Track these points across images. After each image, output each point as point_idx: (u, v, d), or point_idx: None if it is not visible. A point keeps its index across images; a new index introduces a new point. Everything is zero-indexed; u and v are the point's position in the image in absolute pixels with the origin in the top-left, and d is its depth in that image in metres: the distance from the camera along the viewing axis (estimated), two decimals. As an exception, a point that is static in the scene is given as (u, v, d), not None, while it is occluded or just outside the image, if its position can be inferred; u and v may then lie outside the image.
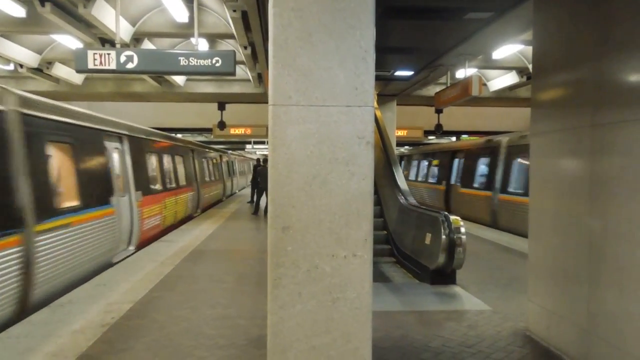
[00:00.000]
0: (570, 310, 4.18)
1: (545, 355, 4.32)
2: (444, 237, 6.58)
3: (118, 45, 9.08)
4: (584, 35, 4.05)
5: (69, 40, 11.77)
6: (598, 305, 3.82)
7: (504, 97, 17.30)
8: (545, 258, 4.64)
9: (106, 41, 11.49)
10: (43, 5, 8.83)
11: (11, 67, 14.08)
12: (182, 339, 4.61)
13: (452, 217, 6.75)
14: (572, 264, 4.16)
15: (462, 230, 6.62)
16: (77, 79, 15.80)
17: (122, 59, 8.03)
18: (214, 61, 8.14)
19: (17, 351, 4.28)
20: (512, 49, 12.57)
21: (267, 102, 3.02)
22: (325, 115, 2.92)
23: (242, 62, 12.87)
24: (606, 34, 3.76)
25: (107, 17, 9.71)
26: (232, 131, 21.09)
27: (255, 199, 16.78)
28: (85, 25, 10.44)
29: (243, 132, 21.69)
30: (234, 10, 8.34)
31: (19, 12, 9.41)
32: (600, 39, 3.83)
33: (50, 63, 14.45)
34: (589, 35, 3.98)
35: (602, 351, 3.76)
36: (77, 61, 8.07)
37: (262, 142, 34.48)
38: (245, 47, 10.98)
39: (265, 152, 39.63)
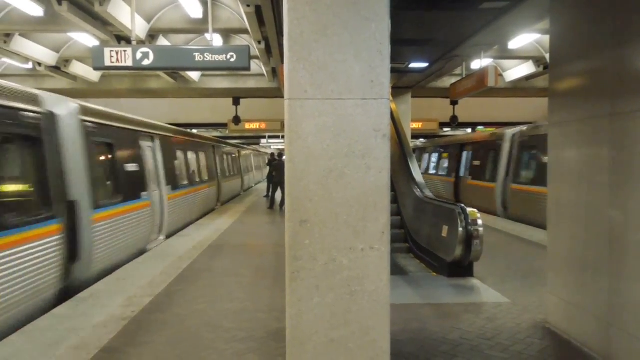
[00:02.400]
0: (591, 302, 4.14)
1: (565, 348, 4.29)
2: (460, 229, 6.55)
3: (134, 42, 9.16)
4: (603, 23, 3.98)
5: (85, 38, 11.90)
6: (619, 296, 3.78)
7: (520, 88, 17.08)
8: (564, 249, 4.59)
9: (122, 38, 11.61)
10: (60, 4, 8.94)
11: (30, 65, 14.29)
12: (201, 332, 4.67)
13: (469, 210, 6.71)
14: (592, 255, 4.11)
15: (479, 222, 6.58)
16: (94, 76, 15.99)
17: (138, 55, 8.10)
18: (228, 56, 8.16)
19: (41, 344, 4.37)
20: (528, 38, 12.40)
21: (281, 97, 3.04)
22: (341, 109, 2.93)
23: (256, 57, 12.89)
24: (625, 21, 3.70)
25: (123, 15, 9.80)
26: (247, 126, 21.17)
27: (270, 193, 16.85)
28: (101, 23, 10.55)
29: (258, 126, 21.76)
30: (248, 5, 8.36)
31: (37, 11, 9.53)
32: (620, 27, 3.76)
33: (67, 61, 14.63)
34: (608, 23, 3.91)
35: (624, 343, 3.72)
36: (95, 59, 8.16)
37: (277, 137, 34.55)
38: (260, 42, 11.00)
39: (280, 147, 39.71)
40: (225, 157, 19.85)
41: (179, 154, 12.48)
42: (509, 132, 13.68)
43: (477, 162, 15.71)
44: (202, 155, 15.35)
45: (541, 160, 11.46)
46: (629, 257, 3.66)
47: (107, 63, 8.13)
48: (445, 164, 19.08)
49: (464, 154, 17.14)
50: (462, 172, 17.05)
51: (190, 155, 13.81)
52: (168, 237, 10.41)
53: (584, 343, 4.24)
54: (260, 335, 4.58)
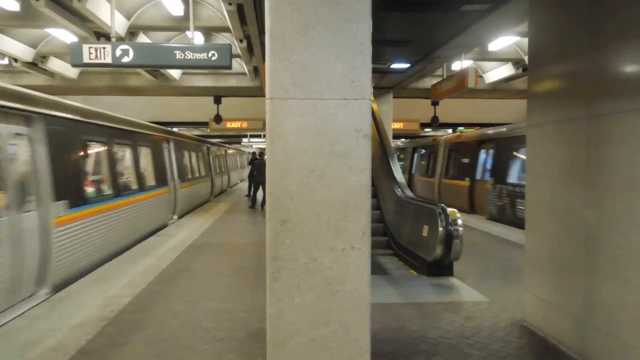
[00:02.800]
0: (567, 300, 4.22)
1: (542, 345, 4.37)
2: (441, 229, 6.61)
3: (113, 39, 9.03)
4: (579, 26, 4.06)
5: (63, 34, 11.68)
6: (594, 294, 3.85)
7: (499, 89, 17.30)
8: (541, 249, 4.67)
9: (101, 35, 11.42)
10: (37, -1, 8.76)
11: (5, 61, 13.98)
12: (181, 332, 4.63)
13: (449, 210, 6.78)
14: (569, 254, 4.19)
15: (459, 222, 6.65)
16: (72, 73, 15.71)
17: (118, 52, 7.99)
18: (210, 55, 8.10)
19: (17, 345, 4.29)
20: (508, 40, 12.55)
21: (263, 96, 3.03)
22: (322, 109, 2.93)
23: (237, 56, 12.82)
24: (601, 24, 3.77)
25: (102, 11, 9.65)
26: (229, 125, 21.04)
27: (251, 192, 16.79)
28: (80, 19, 10.37)
29: (239, 125, 21.64)
30: (230, 4, 8.31)
31: (13, 5, 9.34)
32: (595, 30, 3.84)
33: (44, 57, 14.36)
34: (584, 26, 3.98)
35: (598, 340, 3.80)
36: (73, 55, 8.03)
37: (259, 136, 34.41)
38: (241, 41, 10.94)
39: (262, 146, 39.59)
40: (216, 156, 21.64)
41: (185, 153, 15.51)
42: (443, 138, 17.89)
43: (423, 162, 20.17)
44: (200, 155, 17.86)
45: (460, 161, 16.11)
46: (604, 257, 3.74)
47: (86, 60, 8.01)
48: (400, 163, 21.47)
49: (415, 155, 21.61)
50: (413, 170, 21.50)
51: (193, 155, 16.39)
52: (180, 217, 13.73)
53: (560, 341, 4.31)
54: (241, 335, 4.56)
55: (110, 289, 6.06)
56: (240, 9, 8.68)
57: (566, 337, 4.22)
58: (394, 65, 12.52)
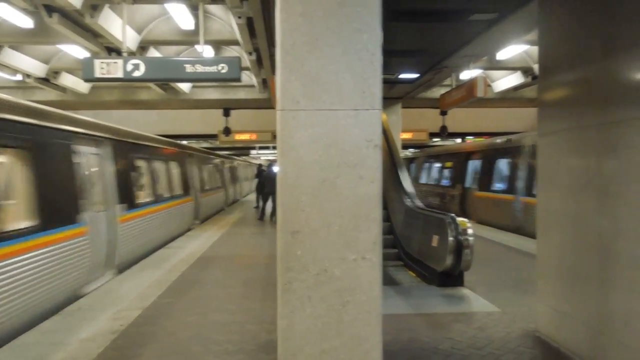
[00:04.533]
0: (581, 311, 4.16)
1: (556, 356, 4.30)
2: (451, 239, 6.56)
3: (125, 54, 9.15)
4: (590, 34, 4.05)
5: (75, 50, 11.86)
6: (609, 304, 3.80)
7: (508, 98, 17.26)
8: (554, 258, 4.62)
9: (112, 50, 11.58)
10: (50, 16, 8.91)
11: (19, 77, 14.20)
12: (191, 345, 4.62)
13: (459, 219, 6.74)
14: (582, 263, 4.14)
15: (470, 232, 6.60)
16: (84, 88, 15.92)
17: (129, 67, 8.09)
18: (219, 67, 8.17)
19: (28, 359, 4.30)
20: (516, 49, 12.56)
21: (272, 108, 3.05)
22: (333, 119, 2.94)
23: (247, 68, 12.92)
24: (612, 33, 3.76)
25: (114, 27, 9.79)
26: (237, 137, 21.13)
27: (260, 204, 16.80)
28: (91, 34, 10.53)
29: (248, 137, 21.71)
30: (240, 17, 8.39)
31: (27, 23, 9.49)
32: (607, 38, 3.83)
33: (57, 73, 14.58)
34: (595, 34, 3.97)
35: (614, 351, 3.74)
36: (85, 70, 8.14)
37: (267, 148, 34.51)
38: (250, 53, 11.03)
39: (270, 158, 39.70)
40: (230, 169, 23.09)
41: (204, 167, 17.24)
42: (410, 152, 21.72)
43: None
44: (216, 169, 20.19)
45: (420, 169, 22.74)
46: (618, 266, 3.69)
47: (98, 74, 8.11)
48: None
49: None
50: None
51: (212, 168, 19.00)
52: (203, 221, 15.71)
53: (573, 351, 4.25)
54: (251, 347, 4.54)
55: (121, 302, 6.07)
56: (249, 22, 8.76)
57: (580, 348, 4.16)
58: (403, 76, 12.54)
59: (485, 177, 15.16)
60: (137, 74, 8.10)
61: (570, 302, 4.34)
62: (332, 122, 2.93)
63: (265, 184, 16.24)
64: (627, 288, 3.59)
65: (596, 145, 3.95)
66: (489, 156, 15.14)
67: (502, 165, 14.22)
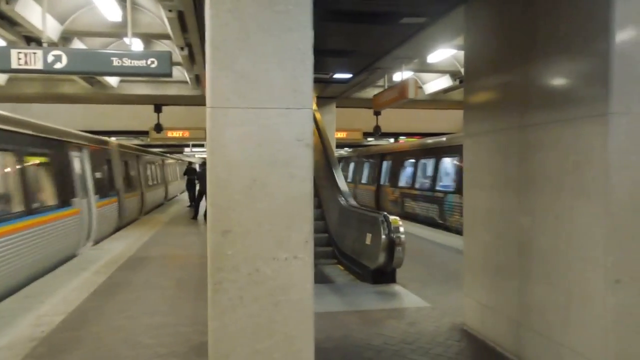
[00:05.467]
0: (503, 304, 4.38)
1: (481, 348, 4.50)
2: (383, 236, 6.71)
3: (45, 44, 8.63)
4: (511, 40, 4.26)
5: (-10, 38, 11.05)
6: (528, 297, 4.02)
7: (438, 100, 17.88)
8: (478, 254, 4.84)
9: (32, 40, 10.88)
10: (-40, 0, 8.25)
11: None
12: (119, 349, 4.44)
13: (392, 217, 6.90)
14: (503, 258, 4.36)
15: (401, 229, 6.77)
16: (0, 79, 14.87)
17: (50, 58, 7.62)
18: (149, 62, 7.88)
19: None
20: (446, 53, 13.01)
21: (205, 105, 2.98)
22: (264, 118, 2.91)
23: (178, 64, 12.56)
24: (531, 39, 3.98)
25: (33, 15, 9.20)
26: (170, 134, 20.56)
27: (194, 202, 16.46)
28: (8, 22, 9.83)
29: (181, 135, 21.19)
30: (170, 10, 8.14)
31: None
32: (524, 45, 4.04)
33: (-31, 62, 13.50)
34: (516, 40, 4.19)
35: (533, 341, 3.96)
36: (0, 60, 7.60)
37: (201, 145, 33.81)
38: (182, 48, 10.73)
39: (204, 156, 38.94)
40: (170, 168, 24.77)
41: (164, 167, 20.21)
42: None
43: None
44: (164, 168, 22.57)
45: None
46: (535, 261, 3.91)
47: (14, 65, 7.59)
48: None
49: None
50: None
51: (164, 168, 21.17)
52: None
53: (497, 343, 4.47)
54: (183, 350, 4.43)
55: (42, 307, 5.73)
56: (181, 16, 8.52)
57: (503, 340, 4.38)
58: (337, 75, 12.65)
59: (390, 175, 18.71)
60: (58, 65, 7.64)
61: (493, 295, 4.56)
62: (263, 121, 2.91)
63: (199, 182, 15.93)
64: (542, 281, 3.82)
65: (517, 146, 4.16)
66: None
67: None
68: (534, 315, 3.95)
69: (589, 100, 3.34)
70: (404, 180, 16.85)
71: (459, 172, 11.96)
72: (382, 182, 19.07)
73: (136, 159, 17.44)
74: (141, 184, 17.44)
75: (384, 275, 6.88)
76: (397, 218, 6.94)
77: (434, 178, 14.33)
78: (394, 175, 17.71)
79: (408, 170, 16.69)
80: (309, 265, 2.95)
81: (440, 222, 13.44)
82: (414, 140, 18.27)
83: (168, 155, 30.86)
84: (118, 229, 13.22)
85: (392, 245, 6.69)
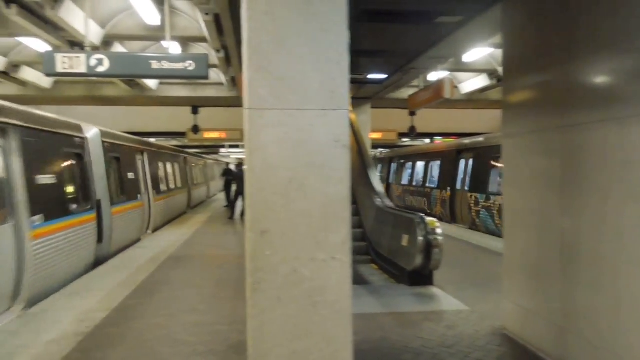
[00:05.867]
0: (546, 308, 4.27)
1: (522, 353, 4.40)
2: (420, 238, 6.63)
3: (88, 49, 8.91)
4: (552, 37, 4.15)
5: (36, 43, 11.49)
6: (572, 301, 3.90)
7: (475, 100, 17.59)
8: (519, 256, 4.72)
9: (76, 44, 11.26)
10: (9, 7, 8.59)
11: (-24, 71, 13.68)
12: (159, 346, 4.54)
13: (429, 219, 6.81)
14: (546, 261, 4.24)
15: (439, 231, 6.68)
16: (46, 82, 15.44)
17: (93, 62, 7.87)
18: (186, 64, 8.04)
19: (-13, 365, 4.14)
20: (482, 52, 12.79)
21: (241, 106, 3.01)
22: (301, 119, 2.92)
23: (215, 66, 12.77)
24: (572, 36, 3.86)
25: (76, 20, 9.52)
26: (206, 135, 20.90)
27: (230, 203, 16.69)
28: (53, 27, 10.20)
29: (217, 136, 21.51)
30: (207, 14, 8.27)
31: (-17, 15, 9.14)
32: (568, 42, 3.93)
33: (16, 66, 14.08)
34: (557, 38, 4.07)
35: (578, 347, 3.84)
36: (46, 64, 7.89)
37: (237, 146, 34.26)
38: (219, 51, 10.90)
39: (240, 156, 39.43)
40: (212, 169, 25.94)
41: (204, 168, 20.59)
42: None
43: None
44: (206, 169, 24.76)
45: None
46: (580, 263, 3.79)
47: (59, 69, 7.87)
48: None
49: None
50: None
51: (207, 169, 22.67)
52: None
53: (540, 348, 4.35)
54: (221, 348, 4.49)
55: (86, 304, 5.92)
56: (217, 19, 8.65)
57: (546, 344, 4.26)
58: (371, 76, 12.61)
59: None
60: (101, 69, 7.89)
61: (535, 299, 4.44)
62: (300, 122, 2.91)
63: (235, 182, 16.16)
64: (588, 284, 3.69)
65: (558, 146, 4.05)
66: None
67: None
68: (579, 320, 3.83)
69: (637, 98, 3.22)
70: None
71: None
72: (460, 186, 14.62)
73: (184, 160, 19.46)
74: (188, 183, 19.34)
75: (421, 277, 6.81)
76: (435, 219, 6.85)
77: None
78: (481, 177, 13.19)
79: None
80: (347, 267, 2.95)
81: None
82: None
83: (206, 156, 31.49)
84: (170, 220, 15.23)
85: (429, 247, 6.61)
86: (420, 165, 18.74)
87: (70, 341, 4.67)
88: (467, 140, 15.18)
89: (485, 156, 12.94)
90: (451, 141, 18.31)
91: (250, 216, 2.90)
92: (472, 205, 13.44)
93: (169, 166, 16.04)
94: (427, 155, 18.08)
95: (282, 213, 2.90)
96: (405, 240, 7.15)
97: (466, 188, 14.07)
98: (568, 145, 3.93)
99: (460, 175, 14.69)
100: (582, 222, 3.77)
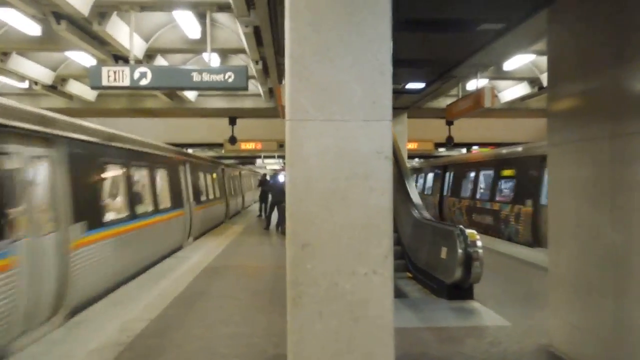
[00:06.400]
0: (595, 324, 4.07)
1: (570, 373, 4.20)
2: (460, 251, 6.47)
3: (132, 62, 9.16)
4: (600, 44, 3.99)
5: (82, 57, 11.90)
6: (624, 318, 3.71)
7: (515, 108, 17.19)
8: (567, 271, 4.53)
9: (119, 58, 11.61)
10: (59, 23, 8.94)
11: (26, 84, 14.26)
12: (198, 357, 4.55)
13: (468, 231, 6.65)
14: (596, 276, 4.05)
15: (479, 244, 6.50)
16: (90, 95, 15.97)
17: (136, 75, 8.09)
18: (226, 76, 8.16)
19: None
20: (524, 59, 12.51)
21: (278, 117, 3.01)
22: (343, 130, 2.89)
23: (253, 77, 12.91)
24: (623, 43, 3.70)
25: (121, 34, 9.81)
26: (243, 146, 21.15)
27: (265, 213, 16.77)
28: (99, 42, 10.56)
29: (254, 146, 21.75)
30: (247, 26, 8.39)
31: (35, 30, 9.53)
32: (618, 48, 3.77)
33: (64, 80, 14.62)
34: (606, 44, 3.92)
35: (631, 368, 3.64)
36: (92, 78, 8.15)
37: (273, 157, 34.56)
38: (257, 62, 11.03)
39: (275, 167, 39.76)
40: (247, 179, 26.93)
41: (242, 178, 21.17)
42: None
43: None
44: (241, 179, 24.59)
45: None
46: (632, 278, 3.60)
47: (105, 82, 8.12)
48: None
49: None
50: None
51: (241, 180, 22.47)
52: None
53: (589, 368, 4.15)
54: (258, 360, 4.47)
55: (127, 313, 6.01)
56: (256, 31, 8.76)
57: (596, 364, 4.06)
58: (409, 86, 12.49)
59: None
60: (144, 82, 8.09)
61: (584, 316, 4.25)
62: (342, 133, 2.88)
63: (271, 193, 16.22)
64: (643, 303, 3.50)
65: (609, 157, 3.88)
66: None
67: None
68: (632, 338, 3.63)
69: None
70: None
71: None
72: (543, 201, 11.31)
73: (222, 171, 19.69)
74: (226, 193, 19.65)
75: (461, 291, 6.63)
76: (474, 232, 6.68)
77: None
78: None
79: None
80: (389, 281, 2.88)
81: None
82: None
83: (242, 167, 31.88)
84: (209, 229, 15.49)
85: (469, 260, 6.44)
86: (486, 174, 15.23)
87: (112, 350, 4.73)
88: None
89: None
90: (533, 144, 13.65)
91: (291, 229, 2.87)
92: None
93: (208, 177, 16.43)
94: (499, 163, 14.30)
95: (324, 226, 2.86)
96: (444, 252, 7.00)
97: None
98: (619, 155, 3.76)
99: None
100: (633, 236, 3.58)
